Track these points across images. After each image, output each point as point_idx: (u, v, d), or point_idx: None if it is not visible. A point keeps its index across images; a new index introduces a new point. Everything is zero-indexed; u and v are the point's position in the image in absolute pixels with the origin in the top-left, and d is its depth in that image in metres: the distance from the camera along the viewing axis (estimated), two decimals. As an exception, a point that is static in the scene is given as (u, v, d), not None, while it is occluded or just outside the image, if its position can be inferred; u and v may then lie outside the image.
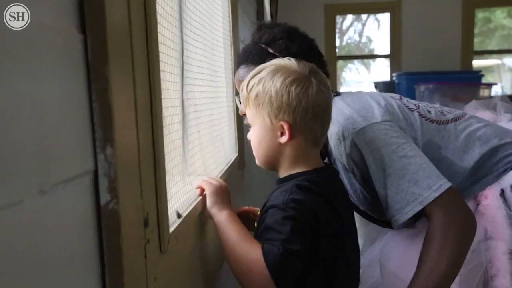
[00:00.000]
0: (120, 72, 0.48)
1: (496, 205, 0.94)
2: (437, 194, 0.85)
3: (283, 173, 0.82)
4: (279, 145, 0.80)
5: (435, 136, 0.98)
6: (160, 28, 0.64)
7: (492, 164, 0.98)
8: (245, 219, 0.89)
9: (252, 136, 0.83)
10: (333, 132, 0.92)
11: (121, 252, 0.48)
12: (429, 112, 1.02)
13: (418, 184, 0.85)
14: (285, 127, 0.77)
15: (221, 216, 0.78)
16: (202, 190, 0.84)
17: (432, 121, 1.00)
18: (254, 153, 0.85)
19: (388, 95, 1.04)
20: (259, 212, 0.83)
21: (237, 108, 1.34)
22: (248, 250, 0.71)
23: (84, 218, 0.45)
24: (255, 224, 0.84)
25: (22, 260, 0.35)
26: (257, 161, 0.86)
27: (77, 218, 0.44)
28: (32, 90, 0.37)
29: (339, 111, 0.93)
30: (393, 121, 0.92)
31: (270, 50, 1.00)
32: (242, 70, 1.02)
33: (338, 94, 1.01)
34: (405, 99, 1.04)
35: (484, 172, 0.99)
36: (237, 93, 1.02)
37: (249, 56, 1.02)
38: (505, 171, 0.97)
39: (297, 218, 0.72)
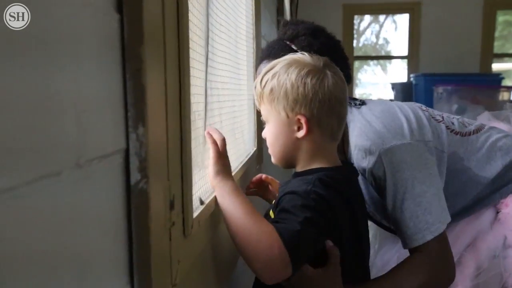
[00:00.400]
0: (154, 54, 0.49)
1: None
2: (444, 227, 0.86)
3: (300, 168, 0.81)
4: (296, 140, 0.78)
5: (459, 148, 0.98)
6: (190, 15, 0.65)
7: (508, 179, 0.99)
8: (263, 188, 0.93)
9: (268, 133, 0.82)
10: (358, 144, 0.90)
11: (149, 231, 0.48)
12: (453, 123, 1.02)
13: (432, 214, 0.85)
14: (302, 120, 0.76)
15: (227, 187, 0.73)
16: (213, 139, 0.78)
17: (456, 132, 1.00)
18: (270, 150, 0.83)
19: (415, 105, 1.02)
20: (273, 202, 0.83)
21: (257, 102, 1.35)
22: (258, 223, 0.67)
23: (115, 195, 0.46)
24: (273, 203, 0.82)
25: (56, 228, 0.36)
26: (273, 159, 0.84)
27: (108, 194, 0.44)
28: (71, 67, 0.38)
29: (368, 123, 0.91)
30: (420, 140, 0.91)
31: (293, 46, 0.99)
32: (263, 65, 1.01)
33: (363, 103, 0.98)
34: (430, 110, 1.04)
35: (505, 181, 0.99)
36: None
37: (271, 51, 1.01)
38: None
39: (316, 210, 0.70)
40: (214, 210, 0.78)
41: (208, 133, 0.78)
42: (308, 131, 0.77)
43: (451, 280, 0.87)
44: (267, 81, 0.79)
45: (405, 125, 0.91)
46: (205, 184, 0.77)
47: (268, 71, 0.80)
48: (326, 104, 0.76)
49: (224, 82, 0.99)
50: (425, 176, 0.87)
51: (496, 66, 5.74)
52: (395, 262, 1.04)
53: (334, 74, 0.78)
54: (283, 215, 0.70)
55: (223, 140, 0.78)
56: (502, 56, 5.94)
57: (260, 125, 1.38)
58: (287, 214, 0.69)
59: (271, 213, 0.80)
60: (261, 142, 1.39)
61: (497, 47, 5.55)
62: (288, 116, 0.77)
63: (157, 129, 0.51)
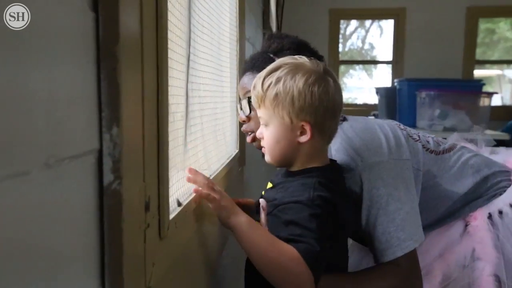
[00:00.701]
0: (130, 53, 0.49)
1: (484, 227, 0.99)
2: (416, 245, 0.89)
3: (295, 167, 0.83)
4: (297, 144, 0.81)
5: (433, 166, 1.02)
6: (169, 15, 0.64)
7: (483, 190, 1.04)
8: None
9: (268, 135, 0.83)
10: (338, 158, 0.92)
11: (121, 233, 0.48)
12: (428, 142, 1.06)
13: (405, 231, 0.87)
14: (307, 127, 0.79)
15: (242, 225, 0.75)
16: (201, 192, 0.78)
17: (431, 151, 1.04)
18: (268, 151, 0.84)
19: (394, 123, 1.05)
20: (260, 203, 0.83)
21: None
22: (282, 252, 0.71)
23: (86, 196, 0.45)
24: (260, 214, 0.84)
25: (23, 229, 0.35)
26: (269, 159, 0.85)
27: (80, 195, 0.44)
28: (43, 65, 0.37)
29: (349, 139, 0.93)
30: (398, 159, 0.93)
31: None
32: (247, 77, 1.03)
33: (345, 119, 1.00)
34: (408, 129, 1.07)
35: (475, 196, 1.03)
36: (239, 100, 1.04)
37: (255, 64, 1.02)
38: (494, 196, 1.03)
39: (323, 215, 0.74)
40: (194, 211, 0.78)
41: (194, 190, 0.78)
42: (311, 136, 0.79)
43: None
44: (269, 84, 0.80)
45: (384, 144, 0.93)
46: (184, 186, 0.77)
47: (270, 74, 0.80)
48: (329, 111, 0.80)
49: (206, 83, 0.99)
50: (400, 193, 0.89)
51: (478, 73, 5.85)
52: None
53: (334, 80, 0.81)
54: (296, 231, 0.73)
55: (207, 180, 0.79)
56: (483, 63, 6.06)
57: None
58: (298, 228, 0.73)
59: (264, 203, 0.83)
60: (243, 144, 1.39)
61: (479, 54, 5.67)
62: (292, 122, 0.79)
63: (133, 129, 0.50)
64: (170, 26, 0.66)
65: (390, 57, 5.45)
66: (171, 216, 0.65)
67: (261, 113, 0.83)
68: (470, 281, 0.96)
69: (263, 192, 0.91)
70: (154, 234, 0.58)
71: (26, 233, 0.35)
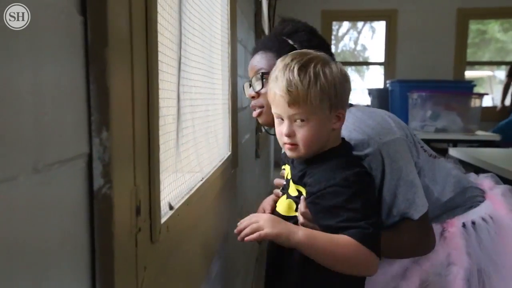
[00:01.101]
0: (119, 56, 0.48)
1: (459, 234, 1.04)
2: (426, 209, 0.97)
3: (317, 152, 0.86)
4: (331, 131, 0.86)
5: (425, 165, 1.06)
6: (159, 18, 0.64)
7: (461, 200, 1.09)
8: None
9: (308, 130, 0.83)
10: (353, 137, 0.96)
11: (112, 238, 0.47)
12: (420, 142, 1.11)
13: (420, 198, 0.96)
14: (342, 113, 0.85)
15: (302, 241, 0.78)
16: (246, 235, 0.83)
17: (425, 150, 1.09)
18: (306, 146, 0.85)
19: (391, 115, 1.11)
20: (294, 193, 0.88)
21: (233, 105, 1.35)
22: (344, 246, 0.76)
23: (77, 201, 0.45)
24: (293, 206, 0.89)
25: (13, 235, 0.34)
26: (304, 153, 0.85)
27: (70, 200, 0.43)
28: (31, 69, 0.37)
29: (361, 119, 0.99)
30: (404, 138, 1.01)
31: (290, 41, 1.05)
32: (258, 56, 1.08)
33: (351, 105, 1.06)
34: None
35: (453, 205, 1.09)
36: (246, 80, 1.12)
37: (267, 44, 1.07)
38: (470, 208, 1.09)
39: (362, 191, 0.80)
40: (186, 215, 0.77)
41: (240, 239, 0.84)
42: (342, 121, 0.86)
43: (432, 247, 1.00)
44: (309, 81, 0.81)
45: (392, 124, 1.01)
46: (176, 189, 0.77)
47: (302, 71, 0.81)
48: (349, 95, 0.88)
49: (198, 86, 0.99)
50: (412, 167, 0.98)
51: (469, 74, 5.91)
52: None
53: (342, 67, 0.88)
54: (343, 215, 0.77)
55: (249, 220, 0.84)
56: (474, 64, 6.12)
57: (235, 130, 1.38)
58: (345, 212, 0.77)
59: (293, 187, 0.88)
60: (235, 146, 1.38)
61: (470, 55, 5.72)
62: (331, 112, 0.84)
63: (123, 133, 0.50)
64: (160, 29, 0.66)
65: (382, 58, 5.48)
66: (163, 219, 0.64)
67: (300, 110, 0.82)
68: (444, 285, 1.00)
69: (288, 176, 0.94)
70: (145, 238, 0.57)
71: (14, 239, 0.35)
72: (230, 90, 1.34)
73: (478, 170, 2.34)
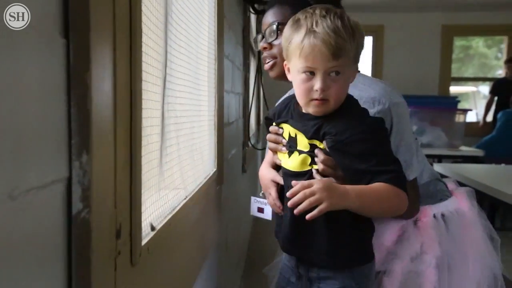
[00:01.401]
0: (101, 79, 0.48)
1: (431, 224, 1.10)
2: (418, 173, 1.04)
3: None
4: (351, 81, 0.89)
5: (414, 142, 1.10)
6: (144, 38, 0.64)
7: (434, 190, 1.15)
8: None
9: (341, 83, 0.84)
10: (364, 96, 0.99)
11: (89, 264, 0.46)
12: None
13: (415, 160, 1.03)
14: (356, 70, 0.90)
15: (354, 200, 0.80)
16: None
17: (412, 131, 1.14)
18: (337, 99, 0.85)
19: None
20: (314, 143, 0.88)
21: (219, 121, 1.35)
22: (387, 194, 0.81)
23: (54, 227, 0.44)
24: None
25: (-14, 268, 0.34)
26: (333, 107, 0.85)
27: (47, 226, 0.42)
28: (10, 91, 0.36)
29: (370, 80, 1.05)
30: (405, 104, 1.07)
31: None
32: (273, 10, 1.11)
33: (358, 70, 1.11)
34: None
35: (427, 194, 1.14)
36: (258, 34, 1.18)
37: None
38: (440, 200, 1.15)
39: (386, 137, 0.87)
40: (169, 235, 0.76)
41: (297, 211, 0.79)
42: None
43: (415, 214, 1.08)
44: (349, 34, 0.82)
45: (395, 90, 1.07)
46: (159, 208, 0.76)
47: (343, 24, 0.82)
48: None
49: (183, 103, 0.99)
50: (411, 132, 1.05)
51: (454, 89, 6.01)
52: None
53: None
54: (372, 160, 0.82)
55: (301, 186, 0.79)
56: (458, 80, 6.23)
57: (221, 146, 1.37)
58: (375, 157, 0.82)
59: (305, 142, 0.88)
60: (221, 162, 1.38)
61: (455, 70, 5.83)
62: (357, 61, 0.87)
63: (104, 156, 0.49)
64: (145, 48, 0.65)
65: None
66: (144, 241, 0.63)
67: (337, 62, 0.82)
68: (418, 272, 1.05)
69: (290, 134, 0.92)
70: (125, 261, 0.56)
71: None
72: (216, 105, 1.34)
73: (462, 186, 2.38)
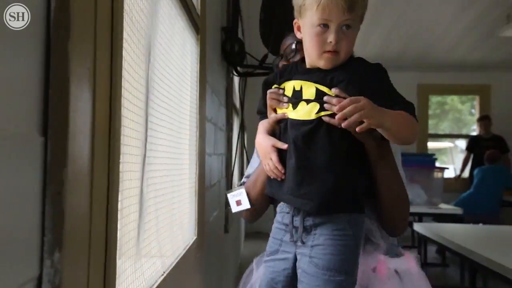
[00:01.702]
0: (77, 176, 0.48)
1: (389, 276, 1.09)
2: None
3: None
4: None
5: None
6: (124, 112, 0.65)
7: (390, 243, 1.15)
8: None
9: (352, 38, 0.90)
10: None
11: None
12: None
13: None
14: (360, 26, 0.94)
15: (389, 119, 0.86)
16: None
17: None
18: (348, 52, 0.91)
19: None
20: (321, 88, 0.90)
21: (200, 188, 1.34)
22: (410, 120, 0.88)
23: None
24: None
25: None
26: (342, 60, 0.91)
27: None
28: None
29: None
30: None
31: None
32: (292, 34, 1.10)
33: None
34: None
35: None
36: None
37: None
38: (396, 255, 1.14)
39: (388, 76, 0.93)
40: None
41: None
42: None
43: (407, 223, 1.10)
44: None
45: None
46: (139, 277, 0.74)
47: None
48: None
49: (164, 175, 0.99)
50: (401, 166, 1.14)
51: (431, 145, 6.16)
52: None
53: None
54: (387, 96, 0.89)
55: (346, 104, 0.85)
56: (435, 137, 6.42)
57: (201, 212, 1.36)
58: (389, 93, 0.90)
59: (310, 92, 0.91)
60: (202, 228, 1.36)
61: (432, 125, 6.01)
62: (361, 21, 0.91)
63: (77, 253, 0.48)
64: (123, 139, 0.66)
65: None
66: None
67: (351, 16, 0.88)
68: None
69: (295, 87, 0.95)
70: None
71: None
72: (197, 172, 1.34)
73: (442, 246, 2.38)
